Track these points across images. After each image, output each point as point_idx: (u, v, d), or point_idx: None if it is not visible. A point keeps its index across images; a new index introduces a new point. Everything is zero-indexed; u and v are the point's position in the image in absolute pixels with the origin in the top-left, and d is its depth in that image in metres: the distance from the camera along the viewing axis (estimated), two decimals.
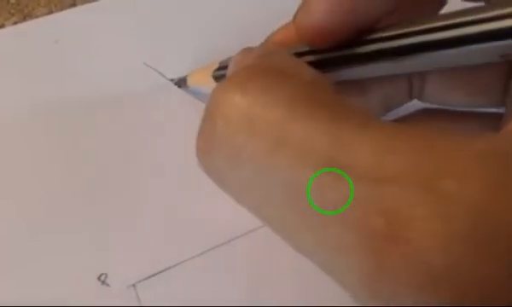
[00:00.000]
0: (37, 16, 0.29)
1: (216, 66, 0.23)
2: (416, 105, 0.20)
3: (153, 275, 0.21)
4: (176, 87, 0.26)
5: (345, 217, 0.11)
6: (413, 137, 0.11)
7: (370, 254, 0.10)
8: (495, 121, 0.17)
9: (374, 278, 0.10)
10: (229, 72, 0.18)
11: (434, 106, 0.19)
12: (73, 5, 0.29)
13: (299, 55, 0.17)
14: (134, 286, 0.21)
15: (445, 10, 0.18)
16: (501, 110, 0.17)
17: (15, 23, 0.28)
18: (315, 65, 0.16)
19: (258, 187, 0.13)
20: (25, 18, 0.29)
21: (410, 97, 0.19)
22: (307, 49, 0.17)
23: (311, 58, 0.17)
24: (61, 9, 0.29)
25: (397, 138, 0.11)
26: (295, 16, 0.16)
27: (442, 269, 0.10)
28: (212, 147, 0.14)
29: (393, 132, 0.11)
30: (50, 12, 0.29)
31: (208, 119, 0.14)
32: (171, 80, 0.26)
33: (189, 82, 0.25)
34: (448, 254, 0.10)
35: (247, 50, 0.17)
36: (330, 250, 0.11)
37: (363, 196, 0.11)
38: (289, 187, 0.12)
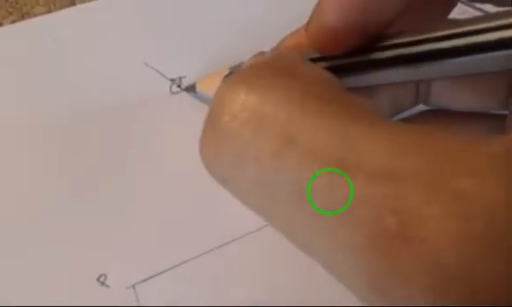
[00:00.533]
0: (35, 15, 0.28)
1: (226, 72, 0.23)
2: (419, 106, 0.20)
3: (152, 276, 0.21)
4: (175, 87, 0.26)
5: (356, 217, 0.11)
6: (425, 137, 0.11)
7: (382, 255, 0.10)
8: (498, 123, 0.17)
9: (385, 279, 0.10)
10: None
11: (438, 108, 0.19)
12: (72, 4, 0.29)
13: (312, 61, 0.17)
14: (133, 287, 0.21)
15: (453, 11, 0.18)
16: (504, 112, 0.17)
17: (13, 22, 0.28)
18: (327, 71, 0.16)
19: (263, 186, 0.12)
20: (23, 16, 0.28)
21: (417, 101, 0.19)
22: (319, 55, 0.16)
23: (323, 64, 0.16)
24: (60, 8, 0.29)
25: (409, 137, 0.11)
26: (308, 23, 0.16)
27: (455, 269, 0.09)
28: (216, 145, 0.14)
29: (405, 131, 0.11)
30: (49, 11, 0.29)
31: (213, 116, 0.14)
32: (172, 80, 0.26)
33: (199, 88, 0.25)
34: (462, 254, 0.09)
35: (260, 54, 0.17)
36: (339, 251, 0.11)
37: (375, 195, 0.10)
38: (297, 187, 0.12)
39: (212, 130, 0.14)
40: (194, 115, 0.25)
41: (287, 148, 0.12)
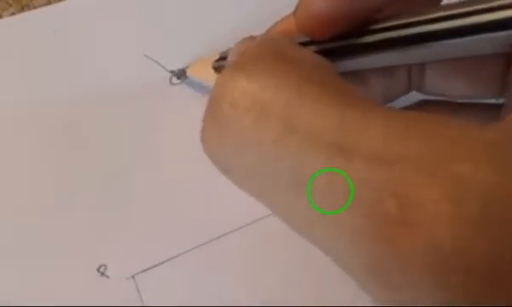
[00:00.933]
0: (35, 7, 0.28)
1: (216, 57, 0.23)
2: (411, 97, 0.20)
3: (152, 267, 0.21)
4: (176, 79, 0.26)
5: (356, 202, 0.11)
6: (421, 121, 0.11)
7: (382, 239, 0.10)
8: (491, 112, 0.17)
9: (384, 263, 0.10)
10: (229, 59, 0.17)
11: (433, 97, 0.19)
12: None
13: (302, 45, 0.17)
14: (133, 277, 0.21)
15: None
16: (499, 101, 0.17)
17: (13, 14, 0.28)
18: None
19: (264, 174, 0.13)
20: (23, 8, 0.28)
21: (410, 88, 0.19)
22: (308, 40, 0.16)
23: (313, 48, 0.16)
24: (60, 0, 0.28)
25: (405, 122, 0.11)
26: (296, 9, 0.16)
27: (452, 253, 0.10)
28: (218, 133, 0.14)
29: (401, 116, 0.11)
30: (49, 2, 0.28)
31: (214, 105, 0.14)
32: (172, 72, 0.26)
33: (189, 73, 0.25)
34: (457, 238, 0.10)
35: (249, 39, 0.17)
36: (338, 236, 0.11)
37: (374, 178, 0.11)
38: (296, 174, 0.12)
39: (213, 119, 0.14)
40: (194, 107, 0.25)
41: (286, 136, 0.12)
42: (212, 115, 0.14)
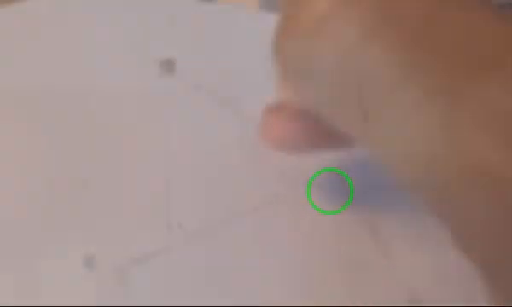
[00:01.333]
0: None
1: None
2: None
3: (140, 259, 0.21)
4: (165, 71, 0.26)
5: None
6: None
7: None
8: None
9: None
10: None
11: None
12: None
13: None
14: (122, 269, 0.20)
15: None
16: None
17: (4, 2, 0.28)
18: None
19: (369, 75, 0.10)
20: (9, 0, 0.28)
21: None
22: None
23: None
24: None
25: None
26: None
27: None
28: (310, 35, 0.11)
29: None
30: None
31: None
32: (161, 63, 0.26)
33: None
34: None
35: None
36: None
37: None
38: (425, 91, 0.10)
39: (307, 18, 0.11)
40: (184, 100, 0.25)
41: (415, 44, 0.10)
42: (305, 11, 0.11)
